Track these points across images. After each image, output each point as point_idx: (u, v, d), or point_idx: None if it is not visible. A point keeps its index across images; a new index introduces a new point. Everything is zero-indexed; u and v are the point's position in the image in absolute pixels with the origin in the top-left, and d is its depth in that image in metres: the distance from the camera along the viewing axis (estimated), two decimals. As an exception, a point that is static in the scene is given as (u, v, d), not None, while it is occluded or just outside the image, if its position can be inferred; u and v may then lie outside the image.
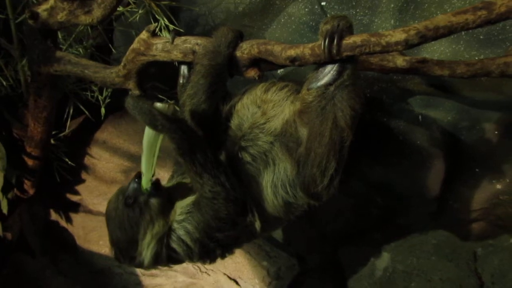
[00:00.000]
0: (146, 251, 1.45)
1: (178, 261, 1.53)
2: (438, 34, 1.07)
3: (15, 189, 2.33)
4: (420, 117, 1.93)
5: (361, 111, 1.31)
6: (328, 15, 1.95)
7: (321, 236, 2.27)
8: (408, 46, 1.11)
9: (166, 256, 1.48)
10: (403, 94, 1.93)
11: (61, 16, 1.73)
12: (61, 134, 2.40)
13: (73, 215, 2.63)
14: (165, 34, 1.96)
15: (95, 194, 2.58)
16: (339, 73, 1.27)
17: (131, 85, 1.74)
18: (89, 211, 2.63)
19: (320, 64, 1.30)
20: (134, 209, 1.45)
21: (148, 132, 1.40)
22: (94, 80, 1.82)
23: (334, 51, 1.20)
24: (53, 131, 2.29)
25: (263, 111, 1.54)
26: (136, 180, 1.47)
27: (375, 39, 1.14)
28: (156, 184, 1.47)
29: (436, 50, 1.77)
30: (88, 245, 2.65)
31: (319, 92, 1.31)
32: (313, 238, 2.30)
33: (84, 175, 2.57)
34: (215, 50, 1.47)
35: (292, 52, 1.29)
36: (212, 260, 1.54)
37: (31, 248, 2.56)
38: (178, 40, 1.57)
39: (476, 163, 1.85)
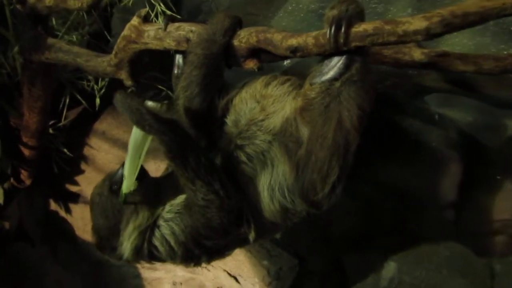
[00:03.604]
0: (127, 243, 1.32)
1: (160, 259, 1.38)
2: (468, 21, 0.85)
3: (11, 179, 2.20)
4: (436, 116, 1.73)
5: (370, 110, 1.10)
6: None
7: (324, 238, 2.09)
8: (429, 36, 0.89)
9: (147, 252, 1.34)
10: (419, 90, 1.74)
11: (49, 1, 1.56)
12: (60, 124, 2.25)
13: (72, 206, 2.52)
14: (160, 20, 1.78)
15: (95, 185, 2.46)
16: (347, 67, 1.07)
17: (123, 75, 1.56)
18: (89, 202, 2.51)
19: (325, 55, 1.09)
20: (119, 195, 1.29)
21: (135, 132, 1.23)
22: (86, 69, 1.65)
23: (341, 41, 0.99)
24: (50, 120, 2.17)
25: (262, 107, 1.35)
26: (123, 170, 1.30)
27: (390, 27, 0.93)
28: (142, 173, 1.30)
29: (457, 43, 1.55)
30: (87, 236, 2.54)
31: (323, 88, 1.11)
32: (316, 240, 2.12)
33: (83, 166, 2.44)
34: (209, 38, 1.29)
35: (293, 42, 1.08)
36: (197, 264, 1.40)
37: (30, 237, 2.47)
38: (172, 27, 1.39)
39: (497, 169, 1.64)
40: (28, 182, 2.24)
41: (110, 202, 1.31)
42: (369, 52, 1.08)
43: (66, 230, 2.53)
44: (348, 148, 1.13)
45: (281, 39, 1.12)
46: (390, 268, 1.85)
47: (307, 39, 1.06)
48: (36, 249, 2.47)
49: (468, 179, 1.70)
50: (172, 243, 1.32)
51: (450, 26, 0.88)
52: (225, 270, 2.33)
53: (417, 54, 1.33)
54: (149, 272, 2.52)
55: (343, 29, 0.99)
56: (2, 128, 2.12)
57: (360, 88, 1.09)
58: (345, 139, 1.12)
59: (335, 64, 1.08)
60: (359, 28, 0.98)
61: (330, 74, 1.09)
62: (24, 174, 2.21)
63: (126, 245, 1.31)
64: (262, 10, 1.93)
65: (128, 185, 1.28)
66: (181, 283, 2.50)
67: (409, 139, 1.80)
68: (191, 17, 2.03)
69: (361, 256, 1.98)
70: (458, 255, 1.69)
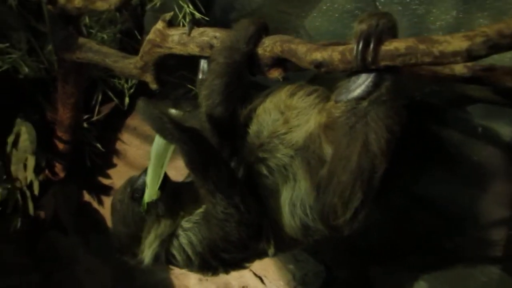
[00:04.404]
0: (148, 251, 1.30)
1: (177, 266, 1.37)
2: (518, 43, 0.72)
3: (46, 172, 2.26)
4: (480, 128, 1.58)
5: (399, 134, 0.99)
6: (376, 2, 1.62)
7: (350, 249, 1.99)
8: (470, 58, 0.78)
9: (165, 260, 1.32)
10: (461, 100, 1.59)
11: (78, 2, 1.56)
12: (93, 119, 2.28)
13: (104, 198, 2.57)
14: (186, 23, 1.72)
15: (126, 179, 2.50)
16: (376, 85, 0.97)
17: (148, 78, 1.54)
18: (118, 197, 2.56)
19: (353, 72, 1.00)
20: (141, 204, 1.28)
21: (158, 140, 1.19)
22: (114, 69, 1.65)
23: (369, 59, 0.90)
24: (83, 116, 2.20)
25: (285, 119, 1.28)
26: (145, 177, 1.28)
27: (425, 46, 0.82)
28: (164, 181, 1.27)
29: (506, 54, 1.38)
30: (118, 228, 2.59)
31: (349, 107, 1.02)
32: (343, 249, 2.03)
33: (115, 160, 2.48)
34: (232, 46, 1.22)
35: (318, 56, 1.00)
36: (214, 274, 1.36)
37: (64, 227, 2.54)
38: (196, 32, 1.34)
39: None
40: (62, 174, 2.30)
41: (132, 211, 1.29)
42: (401, 69, 0.97)
43: (98, 221, 2.58)
44: (373, 173, 1.03)
45: (305, 51, 1.03)
46: (420, 288, 1.74)
47: (332, 54, 0.97)
48: (69, 238, 2.54)
49: (512, 200, 1.55)
50: (190, 253, 1.29)
51: (496, 48, 0.76)
52: (251, 270, 2.31)
53: (459, 67, 1.19)
54: (176, 266, 2.55)
55: (371, 47, 0.89)
56: (38, 122, 2.17)
57: (389, 109, 0.99)
58: (371, 164, 1.02)
59: (363, 82, 0.98)
60: (390, 46, 0.88)
61: (357, 92, 0.99)
62: (58, 167, 2.27)
63: (147, 253, 1.30)
64: (295, 9, 1.82)
65: (150, 194, 1.26)
66: (207, 279, 2.50)
67: (449, 152, 1.66)
68: (223, 15, 1.97)
69: (389, 271, 1.87)
70: (497, 282, 1.55)
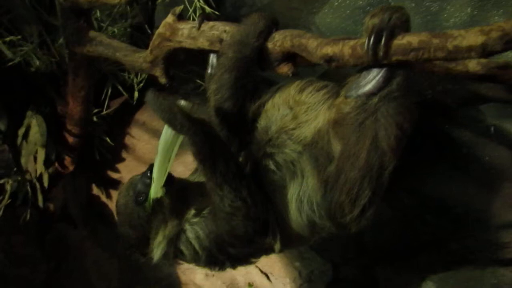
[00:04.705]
0: (157, 250, 1.31)
1: (185, 261, 1.37)
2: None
3: (56, 164, 2.27)
4: (492, 128, 1.55)
5: (410, 131, 0.97)
6: (389, 0, 1.59)
7: (358, 248, 1.97)
8: (485, 54, 0.75)
9: (173, 255, 1.33)
10: (474, 99, 1.55)
11: (89, -5, 1.55)
12: (104, 113, 2.29)
13: (113, 192, 2.57)
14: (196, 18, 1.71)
15: (134, 174, 2.49)
16: (386, 81, 0.95)
17: (158, 72, 1.53)
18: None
19: (364, 67, 0.98)
20: (145, 208, 1.28)
21: (166, 132, 1.19)
22: (124, 63, 1.65)
23: (381, 54, 0.88)
24: (93, 110, 2.20)
25: (294, 114, 1.26)
26: (148, 174, 1.27)
27: (439, 41, 0.80)
28: (169, 180, 1.27)
29: (523, 51, 1.34)
30: (126, 222, 2.60)
31: (359, 103, 1.01)
32: (349, 248, 2.01)
33: (124, 154, 2.48)
34: (242, 40, 1.21)
35: (328, 50, 0.98)
36: (221, 269, 1.36)
37: (73, 219, 2.56)
38: (205, 26, 1.33)
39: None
40: (71, 168, 2.30)
41: (137, 214, 1.29)
42: (414, 65, 0.95)
43: (106, 214, 2.59)
44: (382, 170, 1.01)
45: (316, 46, 1.02)
46: (427, 289, 1.71)
47: (343, 49, 0.95)
48: (77, 231, 2.56)
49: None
50: (197, 247, 1.29)
51: (512, 43, 0.74)
52: (257, 267, 2.30)
53: (473, 64, 1.16)
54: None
55: (383, 41, 0.87)
56: (49, 116, 2.18)
57: (400, 105, 0.97)
58: (380, 161, 1.00)
59: (374, 77, 0.96)
60: (402, 40, 0.86)
61: (368, 87, 0.98)
62: (67, 160, 2.28)
63: (156, 252, 1.30)
64: (306, 5, 1.80)
65: (156, 190, 1.25)
66: (213, 275, 2.50)
67: (460, 152, 1.63)
68: (234, 10, 1.95)
69: (397, 270, 1.85)
70: (508, 284, 1.52)
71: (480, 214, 1.63)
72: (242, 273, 2.39)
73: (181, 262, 2.61)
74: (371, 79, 0.97)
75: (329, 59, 0.98)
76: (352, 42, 0.94)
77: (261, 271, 2.35)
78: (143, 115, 2.39)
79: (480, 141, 1.58)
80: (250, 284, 2.39)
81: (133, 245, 1.35)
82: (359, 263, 2.03)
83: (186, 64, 2.03)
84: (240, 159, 1.31)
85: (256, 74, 1.30)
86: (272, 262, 2.28)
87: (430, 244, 1.75)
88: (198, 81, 2.05)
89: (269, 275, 2.32)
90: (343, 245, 2.07)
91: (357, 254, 2.02)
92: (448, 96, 1.60)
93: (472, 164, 1.61)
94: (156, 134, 2.41)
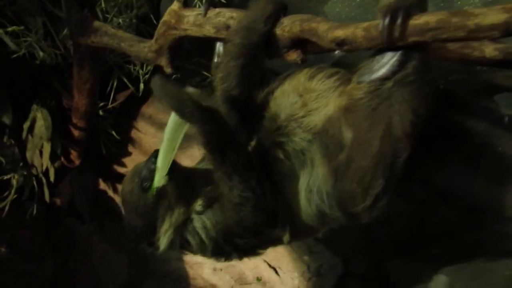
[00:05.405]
0: (163, 238, 1.27)
1: (191, 251, 1.34)
2: None
3: (62, 159, 2.25)
4: (506, 118, 1.49)
5: (425, 117, 0.93)
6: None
7: (368, 241, 1.93)
8: (509, 32, 0.70)
9: (179, 245, 1.29)
10: (487, 88, 1.50)
11: (93, -17, 1.51)
12: (109, 106, 2.26)
13: (119, 186, 2.54)
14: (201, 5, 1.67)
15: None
16: (402, 64, 0.90)
17: (163, 61, 1.50)
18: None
19: (377, 50, 0.93)
20: (151, 194, 1.24)
21: (173, 120, 1.15)
22: (130, 54, 1.62)
23: (396, 34, 0.83)
24: (99, 103, 2.17)
25: (304, 102, 1.22)
26: (153, 160, 1.24)
27: (458, 19, 0.75)
28: (173, 168, 1.23)
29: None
30: (133, 217, 2.59)
31: (372, 88, 0.96)
32: (359, 242, 1.97)
33: (130, 148, 2.46)
34: (249, 26, 1.17)
35: (340, 33, 0.93)
36: (227, 260, 1.33)
37: (80, 214, 2.54)
38: (212, 13, 1.29)
39: None
40: (77, 162, 2.28)
41: (143, 201, 1.24)
42: (430, 47, 0.90)
43: (113, 209, 2.58)
44: (396, 158, 0.97)
45: (326, 29, 0.97)
46: (439, 281, 1.66)
47: (356, 31, 0.90)
48: (84, 226, 2.54)
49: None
50: (203, 237, 1.26)
51: (538, 20, 0.69)
52: (265, 261, 2.29)
53: (490, 50, 1.11)
54: (190, 256, 2.52)
55: (399, 21, 0.82)
56: (54, 109, 2.16)
57: (416, 90, 0.92)
58: (394, 148, 0.96)
59: (388, 61, 0.92)
60: (419, 20, 0.81)
61: (382, 72, 0.93)
62: (73, 154, 2.26)
63: (163, 240, 1.27)
64: (315, -6, 1.76)
65: (159, 178, 1.21)
66: (221, 269, 2.48)
67: (472, 143, 1.58)
68: (241, 3, 1.91)
69: (408, 263, 1.80)
70: (522, 277, 1.47)
71: (493, 207, 1.58)
72: (250, 268, 2.37)
73: (189, 256, 2.61)
74: (385, 63, 0.92)
75: (340, 42, 0.93)
76: (365, 24, 0.89)
77: (270, 266, 2.33)
78: (149, 108, 2.36)
79: (494, 132, 1.52)
80: (258, 279, 2.37)
81: (140, 234, 1.30)
82: (369, 256, 1.99)
83: (191, 56, 1.99)
84: (249, 148, 1.28)
85: (263, 61, 1.26)
86: (280, 257, 2.26)
87: (442, 236, 1.70)
88: (205, 72, 2.01)
89: (277, 269, 2.30)
90: (352, 239, 2.03)
91: (367, 247, 1.98)
92: (462, 85, 1.55)
93: (485, 155, 1.56)
94: (163, 127, 2.33)
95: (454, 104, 1.58)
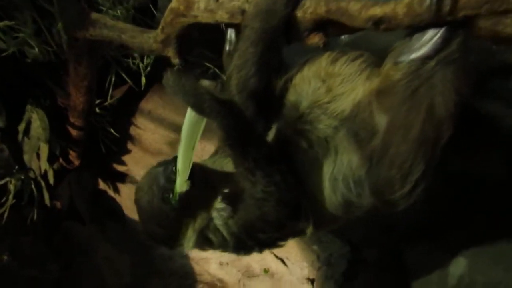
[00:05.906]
0: (188, 243, 1.22)
1: (211, 248, 1.28)
2: None
3: (60, 160, 2.15)
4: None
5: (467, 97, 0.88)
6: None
7: (383, 227, 1.89)
8: None
9: (201, 244, 1.24)
10: (507, 69, 1.47)
11: (89, -28, 1.41)
12: (106, 103, 2.16)
13: (120, 186, 2.47)
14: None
15: (141, 165, 2.39)
16: (446, 42, 0.84)
17: (170, 52, 1.40)
18: (136, 182, 2.46)
19: (416, 28, 0.87)
20: (173, 205, 1.16)
21: (189, 117, 1.06)
22: (132, 46, 1.51)
23: (447, 9, 0.76)
24: (96, 100, 2.06)
25: (328, 87, 1.15)
26: (172, 168, 1.15)
27: (518, -12, 0.69)
28: (193, 169, 1.15)
29: None
30: (135, 216, 2.49)
31: (412, 68, 0.90)
32: (373, 229, 1.93)
33: (129, 146, 2.37)
34: (269, 9, 1.08)
35: (377, 11, 0.86)
36: (247, 254, 1.27)
37: (81, 216, 2.44)
38: (225, -3, 1.20)
39: None
40: (76, 162, 2.19)
41: (165, 213, 1.17)
42: (475, 22, 0.84)
43: (114, 209, 2.50)
44: (438, 141, 0.92)
45: (359, 8, 0.90)
46: (459, 265, 1.63)
47: (396, 8, 0.83)
48: (86, 227, 2.45)
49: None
50: (225, 233, 1.20)
51: None
52: (272, 252, 2.23)
53: (523, 25, 1.05)
54: (196, 251, 2.46)
55: (451, -6, 0.76)
56: (49, 109, 2.05)
57: (459, 68, 0.87)
58: (437, 131, 0.91)
59: (430, 39, 0.85)
60: (473, -9, 0.74)
61: (423, 50, 0.87)
62: (72, 155, 2.16)
63: (188, 245, 1.22)
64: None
65: (181, 183, 1.13)
66: (227, 263, 2.43)
67: (489, 124, 1.55)
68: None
69: (426, 249, 1.77)
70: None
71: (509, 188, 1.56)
72: (257, 260, 2.33)
73: (194, 252, 2.54)
74: (428, 41, 0.86)
75: (378, 21, 0.86)
76: (406, 0, 0.82)
77: (277, 257, 2.28)
78: (148, 104, 2.27)
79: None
80: (265, 270, 2.33)
81: (161, 241, 1.24)
82: (383, 243, 1.95)
83: (194, 47, 1.91)
84: (268, 139, 1.21)
85: (282, 47, 1.18)
86: (287, 247, 2.19)
87: (461, 221, 1.68)
88: (207, 64, 1.93)
89: (285, 260, 2.26)
90: (365, 226, 1.99)
91: (380, 235, 1.94)
92: (478, 66, 1.51)
93: (503, 137, 1.53)
94: (163, 123, 2.30)
95: (471, 86, 1.54)
